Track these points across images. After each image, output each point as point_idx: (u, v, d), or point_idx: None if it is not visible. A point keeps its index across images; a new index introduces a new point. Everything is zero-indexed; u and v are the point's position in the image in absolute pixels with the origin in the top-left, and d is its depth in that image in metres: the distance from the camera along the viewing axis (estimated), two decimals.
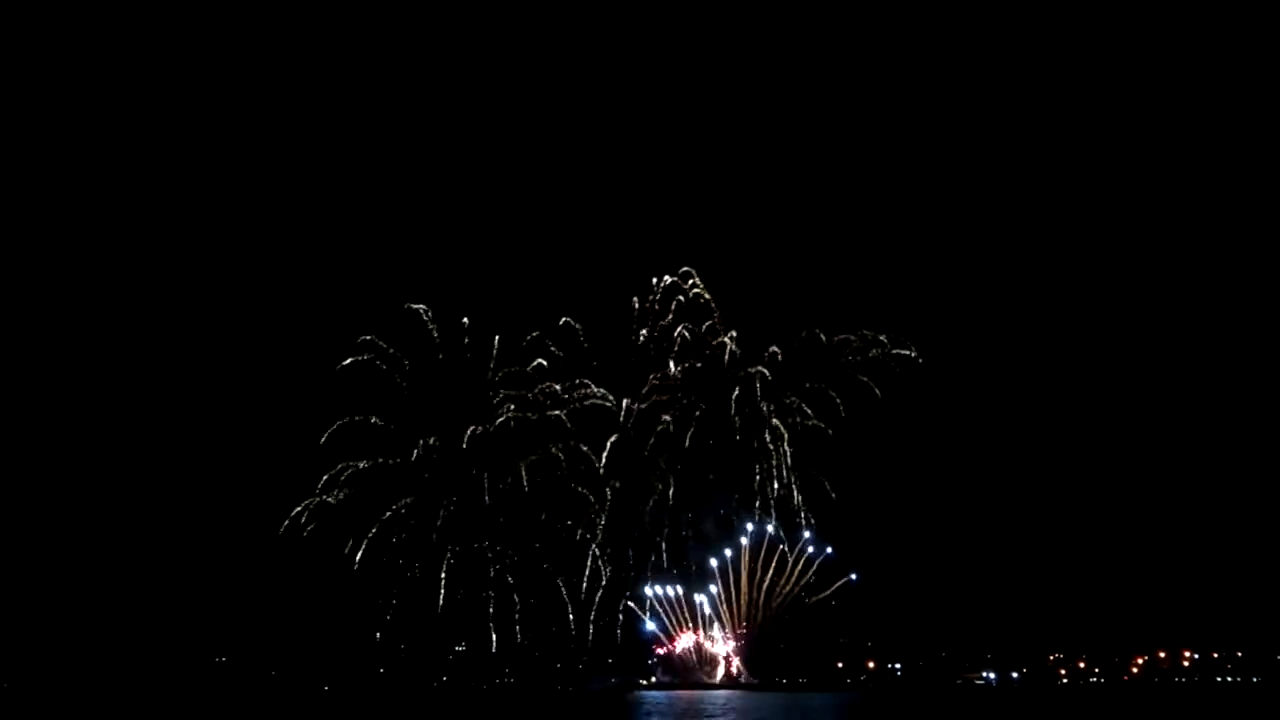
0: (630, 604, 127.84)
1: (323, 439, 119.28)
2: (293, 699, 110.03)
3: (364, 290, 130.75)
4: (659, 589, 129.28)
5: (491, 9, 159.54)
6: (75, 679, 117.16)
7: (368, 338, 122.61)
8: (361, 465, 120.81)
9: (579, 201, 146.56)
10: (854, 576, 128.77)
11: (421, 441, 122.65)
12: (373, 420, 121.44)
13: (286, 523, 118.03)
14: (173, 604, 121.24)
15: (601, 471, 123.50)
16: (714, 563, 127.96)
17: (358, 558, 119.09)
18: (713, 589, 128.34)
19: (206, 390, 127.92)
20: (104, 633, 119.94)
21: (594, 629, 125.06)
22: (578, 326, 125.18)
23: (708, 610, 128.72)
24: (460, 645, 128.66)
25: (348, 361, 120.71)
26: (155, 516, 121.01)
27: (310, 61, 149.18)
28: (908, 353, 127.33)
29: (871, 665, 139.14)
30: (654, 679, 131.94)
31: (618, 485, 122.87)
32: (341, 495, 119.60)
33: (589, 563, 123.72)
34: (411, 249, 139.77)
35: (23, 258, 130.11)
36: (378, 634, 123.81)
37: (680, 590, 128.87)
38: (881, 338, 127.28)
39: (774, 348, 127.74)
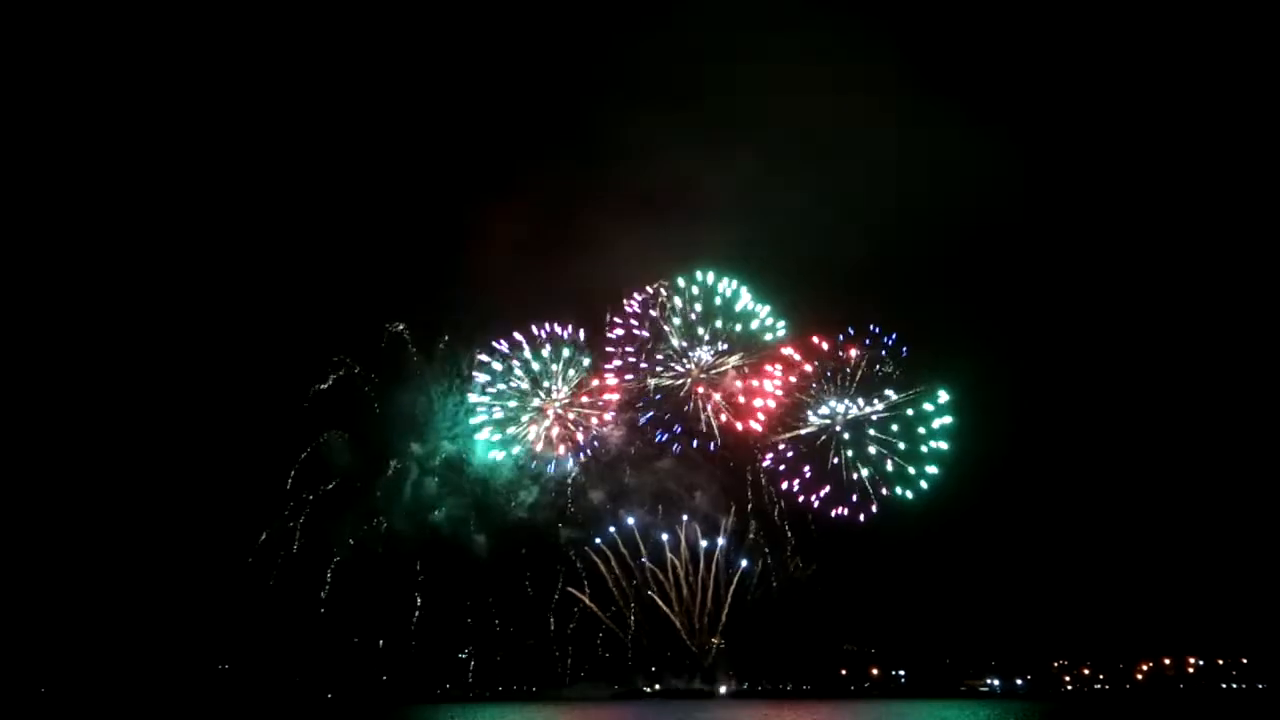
0: (570, 589, 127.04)
1: (300, 457, 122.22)
2: (295, 706, 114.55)
3: (338, 309, 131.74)
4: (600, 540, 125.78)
5: (462, 28, 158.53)
6: (77, 683, 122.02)
7: (343, 357, 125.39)
8: (335, 486, 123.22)
9: (556, 215, 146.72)
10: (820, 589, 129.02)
11: (394, 461, 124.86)
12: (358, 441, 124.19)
13: (261, 539, 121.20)
14: (175, 612, 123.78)
15: (576, 486, 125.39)
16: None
17: (328, 580, 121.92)
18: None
19: (190, 406, 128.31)
20: (106, 639, 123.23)
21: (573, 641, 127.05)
22: (546, 338, 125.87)
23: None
24: (463, 653, 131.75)
25: (328, 383, 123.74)
26: (155, 526, 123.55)
27: (285, 80, 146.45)
28: (890, 369, 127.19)
29: (875, 672, 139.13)
30: (657, 685, 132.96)
31: (590, 498, 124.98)
32: (307, 517, 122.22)
33: (560, 578, 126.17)
34: (388, 267, 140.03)
35: None
36: (380, 641, 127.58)
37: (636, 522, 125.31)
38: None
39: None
